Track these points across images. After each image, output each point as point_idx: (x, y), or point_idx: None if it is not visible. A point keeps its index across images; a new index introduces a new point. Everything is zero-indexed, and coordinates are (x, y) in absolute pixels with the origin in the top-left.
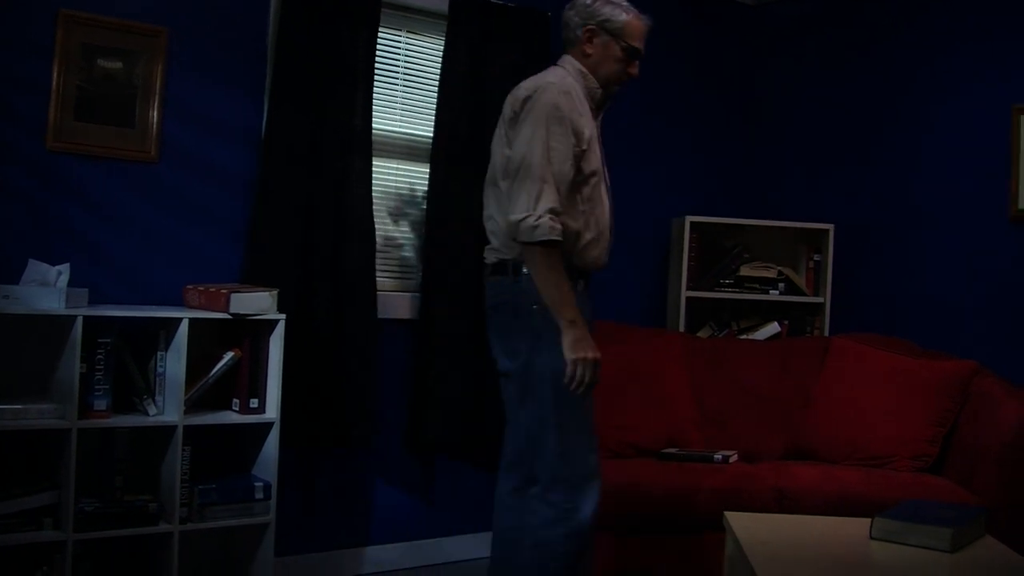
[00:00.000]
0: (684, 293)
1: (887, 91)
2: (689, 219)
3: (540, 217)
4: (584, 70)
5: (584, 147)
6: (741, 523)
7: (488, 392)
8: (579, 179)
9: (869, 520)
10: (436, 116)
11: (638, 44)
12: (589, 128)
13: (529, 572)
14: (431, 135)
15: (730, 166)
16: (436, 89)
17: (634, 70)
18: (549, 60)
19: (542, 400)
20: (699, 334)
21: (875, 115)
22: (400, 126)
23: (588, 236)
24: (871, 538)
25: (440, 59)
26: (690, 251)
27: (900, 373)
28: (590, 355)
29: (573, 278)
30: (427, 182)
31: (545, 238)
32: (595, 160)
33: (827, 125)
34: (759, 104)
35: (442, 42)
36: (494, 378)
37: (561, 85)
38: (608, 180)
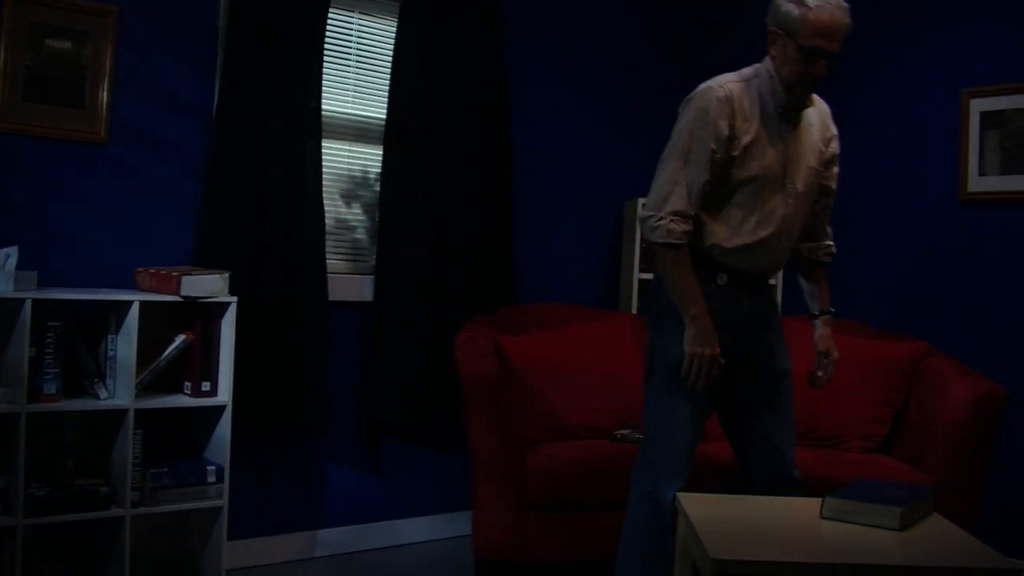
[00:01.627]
0: (637, 275)
1: (837, 74)
2: (641, 201)
3: (662, 219)
4: (772, 72)
5: (735, 153)
6: (693, 503)
7: (443, 374)
8: (730, 185)
9: (820, 500)
10: (389, 98)
11: (815, 42)
12: (751, 134)
13: (623, 541)
14: (384, 117)
15: None
16: (389, 71)
17: (817, 70)
18: (503, 45)
19: (651, 385)
20: None
21: (825, 97)
22: (352, 108)
23: (738, 242)
24: (822, 517)
25: (393, 41)
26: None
27: (851, 354)
28: (707, 351)
29: (714, 271)
30: (380, 164)
31: (663, 240)
32: (756, 167)
33: None
34: None
35: (395, 23)
36: (449, 360)
37: (720, 89)
38: (797, 185)
